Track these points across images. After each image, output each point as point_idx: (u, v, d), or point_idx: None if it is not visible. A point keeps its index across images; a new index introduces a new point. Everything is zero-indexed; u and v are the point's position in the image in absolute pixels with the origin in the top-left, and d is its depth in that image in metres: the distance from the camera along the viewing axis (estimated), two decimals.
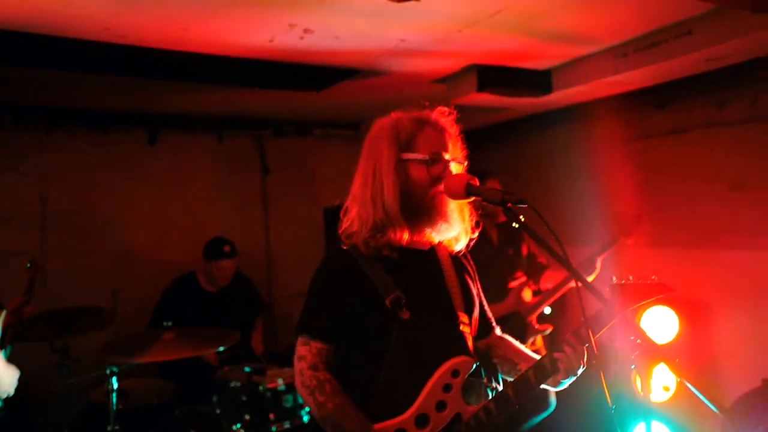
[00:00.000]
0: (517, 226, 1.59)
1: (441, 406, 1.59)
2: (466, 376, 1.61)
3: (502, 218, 3.52)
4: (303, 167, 5.05)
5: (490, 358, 1.83)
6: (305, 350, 1.64)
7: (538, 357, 1.72)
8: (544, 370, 1.58)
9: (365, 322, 1.63)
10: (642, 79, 3.59)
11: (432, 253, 1.75)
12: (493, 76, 3.45)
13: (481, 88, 3.48)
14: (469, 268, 1.86)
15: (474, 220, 1.78)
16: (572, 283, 3.14)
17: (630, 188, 4.11)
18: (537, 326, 3.33)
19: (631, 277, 1.77)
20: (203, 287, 4.08)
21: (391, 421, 1.56)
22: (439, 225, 1.67)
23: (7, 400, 2.74)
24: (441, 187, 1.64)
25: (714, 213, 3.76)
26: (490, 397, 1.67)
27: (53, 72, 3.24)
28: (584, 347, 1.57)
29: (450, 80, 3.71)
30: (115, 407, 2.96)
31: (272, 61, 3.22)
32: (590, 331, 1.52)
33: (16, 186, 4.06)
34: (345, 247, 1.69)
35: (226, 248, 3.95)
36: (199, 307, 3.96)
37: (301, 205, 4.98)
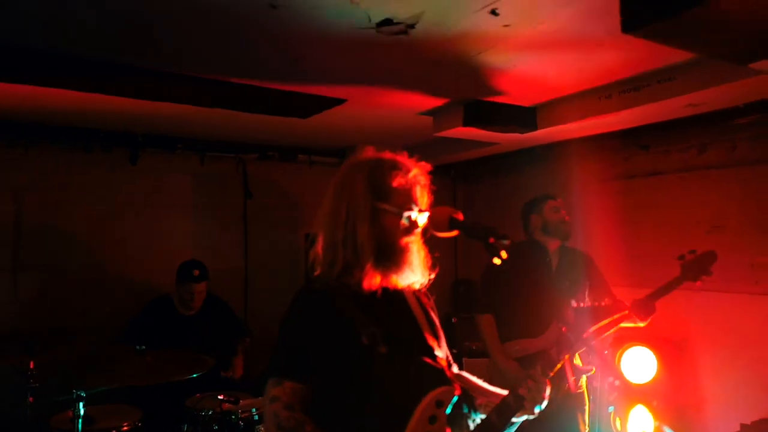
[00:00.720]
0: (498, 262, 1.58)
1: None
2: (450, 405, 1.60)
3: (564, 244, 3.36)
4: (286, 193, 5.02)
5: (465, 390, 1.81)
6: (279, 391, 1.58)
7: (495, 390, 1.79)
8: (508, 408, 1.64)
9: (342, 360, 1.59)
10: (626, 121, 3.67)
11: (398, 290, 1.75)
12: (479, 111, 3.49)
13: (467, 122, 3.52)
14: (430, 303, 1.88)
15: (431, 263, 1.77)
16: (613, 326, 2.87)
17: (611, 227, 4.16)
18: (578, 366, 3.12)
19: (587, 299, 1.79)
20: (178, 311, 4.00)
21: None
22: (405, 272, 1.70)
23: None
24: (410, 237, 1.68)
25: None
26: (472, 427, 1.68)
27: (33, 88, 3.20)
28: (546, 380, 1.64)
29: (436, 113, 3.75)
30: None
31: (260, 87, 3.23)
32: (563, 362, 1.55)
33: None
34: (316, 286, 1.69)
35: (196, 272, 3.87)
36: (174, 330, 3.86)
37: (283, 230, 4.94)
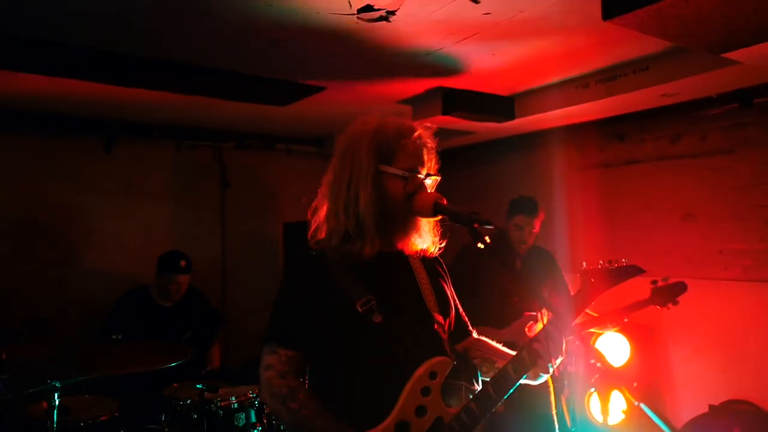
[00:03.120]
0: (482, 246, 1.59)
1: (421, 410, 1.53)
2: (445, 377, 1.57)
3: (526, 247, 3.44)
4: (264, 182, 4.98)
5: (469, 359, 1.80)
6: (273, 359, 1.57)
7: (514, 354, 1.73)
8: (523, 363, 1.57)
9: (336, 328, 1.58)
10: (602, 110, 3.72)
11: (402, 256, 1.73)
12: (458, 100, 3.50)
13: (446, 111, 3.53)
14: (441, 271, 1.85)
15: (440, 231, 1.76)
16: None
17: (588, 214, 4.23)
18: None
19: (601, 262, 1.80)
20: (156, 302, 3.94)
21: (370, 431, 1.49)
22: (411, 239, 1.68)
23: None
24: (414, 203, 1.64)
25: (665, 242, 3.90)
26: (471, 398, 1.64)
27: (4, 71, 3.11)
28: (562, 336, 1.57)
29: (416, 101, 3.75)
30: (55, 425, 2.80)
31: (238, 73, 3.19)
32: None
33: None
34: (313, 253, 1.66)
35: (182, 263, 3.83)
36: (151, 321, 3.80)
37: (260, 220, 4.90)
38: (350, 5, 2.30)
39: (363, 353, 1.56)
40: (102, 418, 3.16)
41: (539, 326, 3.20)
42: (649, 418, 2.86)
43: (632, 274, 1.76)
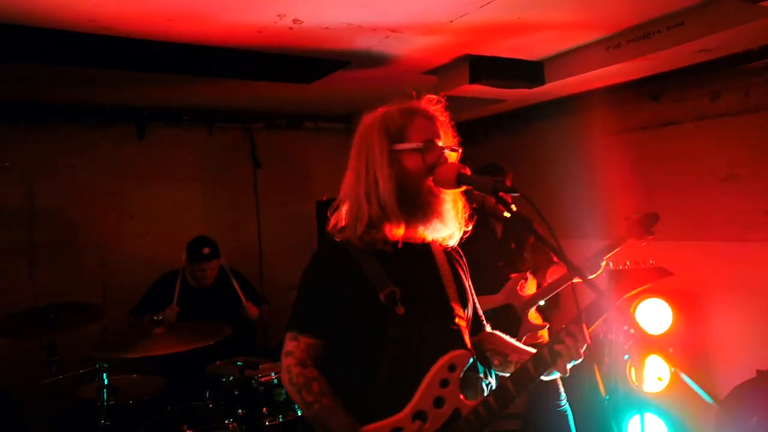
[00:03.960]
0: (508, 215, 1.57)
1: (439, 402, 1.54)
2: (464, 370, 1.58)
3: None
4: (294, 161, 5.01)
5: (483, 352, 1.81)
6: (293, 345, 1.60)
7: (530, 349, 1.72)
8: (544, 361, 1.57)
9: (359, 317, 1.59)
10: (636, 71, 3.58)
11: (426, 247, 1.72)
12: (486, 67, 3.42)
13: (473, 79, 3.45)
14: (462, 263, 1.84)
15: (468, 213, 1.74)
16: (573, 280, 3.05)
17: (624, 180, 4.12)
18: (532, 323, 3.28)
19: (628, 263, 1.77)
20: (190, 285, 4.02)
21: (387, 420, 1.51)
22: (433, 223, 1.65)
23: None
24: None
25: (706, 204, 3.77)
26: (487, 392, 1.64)
27: (38, 66, 3.19)
28: (584, 338, 1.55)
29: (442, 71, 3.68)
30: (105, 403, 2.92)
31: (262, 52, 3.19)
32: (584, 323, 1.52)
33: (1, 182, 4.00)
34: (338, 240, 1.66)
35: (205, 250, 3.85)
36: (186, 303, 3.89)
37: (293, 198, 4.93)
38: None
39: (384, 343, 1.56)
40: (148, 396, 3.29)
41: (530, 284, 3.27)
42: (688, 385, 2.82)
43: (660, 275, 1.72)
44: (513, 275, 3.27)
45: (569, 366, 1.58)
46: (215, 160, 4.74)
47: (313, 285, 1.66)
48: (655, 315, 3.81)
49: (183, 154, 4.61)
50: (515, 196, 1.56)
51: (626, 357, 3.66)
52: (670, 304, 3.76)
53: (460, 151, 1.73)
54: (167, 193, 4.53)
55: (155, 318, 3.02)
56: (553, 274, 3.38)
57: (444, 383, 1.55)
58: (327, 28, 2.83)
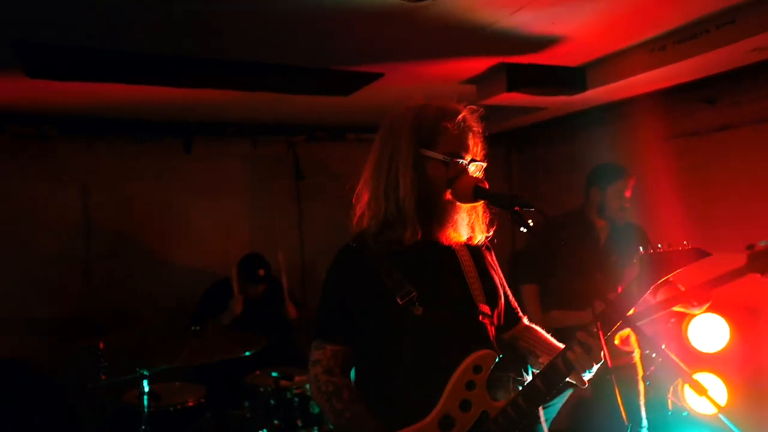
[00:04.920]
0: (524, 230, 1.50)
1: (465, 405, 1.49)
2: (490, 370, 1.52)
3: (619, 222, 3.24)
4: (336, 171, 5.02)
5: (517, 349, 1.73)
6: (320, 354, 1.58)
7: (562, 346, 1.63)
8: (568, 362, 1.48)
9: (378, 322, 1.56)
10: (685, 73, 3.40)
11: (448, 246, 1.66)
12: (523, 75, 3.33)
13: (511, 87, 3.37)
14: (490, 258, 1.77)
15: (488, 218, 1.69)
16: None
17: (678, 188, 3.92)
18: (619, 347, 3.01)
19: (660, 245, 1.63)
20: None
21: (413, 426, 1.47)
22: (448, 231, 1.62)
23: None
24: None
25: (767, 213, 3.53)
26: (518, 392, 1.57)
27: (93, 84, 3.36)
28: (599, 345, 1.46)
29: (479, 80, 3.62)
30: (146, 409, 3.01)
31: (299, 66, 3.23)
32: (600, 331, 1.43)
33: (60, 195, 4.23)
34: (354, 245, 1.64)
35: (261, 272, 3.95)
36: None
37: (335, 209, 4.92)
38: None
39: (405, 346, 1.52)
40: (189, 404, 3.37)
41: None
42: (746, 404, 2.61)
43: (695, 257, 1.56)
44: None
45: (586, 377, 1.50)
46: (259, 172, 4.83)
47: (333, 292, 1.64)
48: (710, 332, 3.59)
49: (228, 167, 4.73)
50: (531, 212, 1.50)
51: (678, 378, 3.48)
52: (727, 320, 3.53)
53: (485, 164, 1.70)
54: (213, 205, 4.65)
55: (192, 328, 3.08)
56: (664, 293, 3.00)
57: (470, 385, 1.50)
58: (361, 40, 2.84)
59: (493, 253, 1.79)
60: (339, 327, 1.59)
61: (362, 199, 1.67)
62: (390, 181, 1.58)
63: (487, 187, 1.59)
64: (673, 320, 3.59)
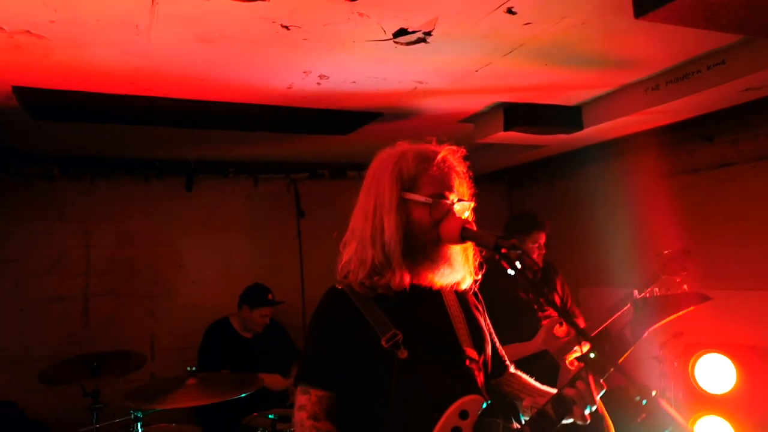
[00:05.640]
0: (512, 273, 1.50)
1: None
2: (477, 416, 1.49)
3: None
4: (338, 209, 5.01)
5: (503, 395, 1.72)
6: (305, 399, 1.54)
7: (550, 390, 1.64)
8: (564, 404, 1.48)
9: (364, 365, 1.53)
10: (682, 112, 3.41)
11: (435, 290, 1.65)
12: (520, 114, 3.36)
13: (508, 126, 3.40)
14: (477, 303, 1.76)
15: (478, 261, 1.69)
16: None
17: (676, 226, 3.90)
18: (570, 367, 3.12)
19: (656, 290, 1.62)
20: (238, 333, 4.08)
21: None
22: (442, 270, 1.60)
23: None
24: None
25: (766, 252, 3.50)
26: None
27: (95, 125, 3.42)
28: (594, 384, 1.48)
29: (476, 119, 3.66)
30: None
31: (297, 108, 3.28)
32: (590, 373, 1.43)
33: (61, 233, 4.25)
34: (339, 287, 1.63)
35: (270, 296, 4.02)
36: (235, 352, 3.96)
37: (336, 246, 4.95)
38: (384, 31, 2.28)
39: (389, 390, 1.49)
40: None
41: (561, 330, 3.13)
42: None
43: (694, 302, 1.54)
44: (545, 321, 3.14)
45: (587, 412, 1.48)
46: (260, 210, 4.86)
47: (317, 336, 1.63)
48: (716, 372, 3.51)
49: (229, 205, 4.76)
50: (518, 253, 1.49)
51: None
52: (733, 361, 3.46)
53: (473, 204, 1.69)
54: (214, 243, 4.66)
55: (188, 369, 3.05)
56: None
57: (456, 431, 1.47)
58: (354, 82, 2.88)
59: (481, 299, 1.79)
60: (324, 372, 1.56)
61: (349, 246, 1.67)
62: (375, 227, 1.58)
63: (475, 228, 1.58)
64: (678, 360, 3.54)
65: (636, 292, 1.58)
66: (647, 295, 1.57)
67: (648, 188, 4.09)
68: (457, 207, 1.62)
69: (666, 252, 2.91)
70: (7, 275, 4.09)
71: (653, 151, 4.13)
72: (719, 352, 3.52)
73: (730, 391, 3.42)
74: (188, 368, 3.07)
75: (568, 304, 3.55)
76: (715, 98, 3.00)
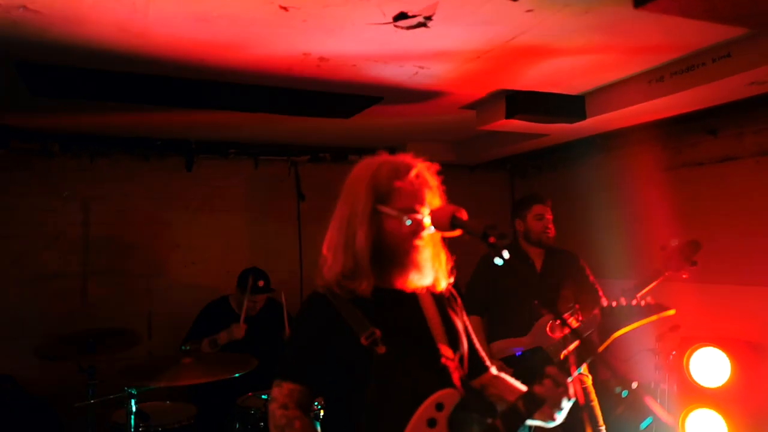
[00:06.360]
0: (500, 262, 1.50)
1: None
2: (452, 409, 1.55)
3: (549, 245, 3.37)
4: (338, 193, 5.04)
5: (486, 397, 1.76)
6: (277, 392, 1.63)
7: None
8: (534, 400, 1.54)
9: (343, 362, 1.62)
10: (686, 104, 3.38)
11: (410, 293, 1.72)
12: (522, 102, 3.34)
13: (510, 114, 3.38)
14: (454, 304, 1.82)
15: (451, 265, 1.76)
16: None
17: (678, 218, 3.88)
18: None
19: (623, 299, 1.68)
20: (235, 312, 4.08)
21: None
22: (410, 275, 1.67)
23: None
24: (416, 240, 1.65)
25: None
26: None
27: (97, 102, 3.41)
28: (567, 381, 1.53)
29: (479, 106, 3.63)
30: (133, 429, 2.98)
31: (299, 89, 3.26)
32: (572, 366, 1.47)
33: (60, 211, 4.26)
34: (321, 291, 1.71)
35: (260, 283, 3.94)
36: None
37: None
38: (384, 14, 2.26)
39: (368, 385, 1.56)
40: (178, 425, 3.33)
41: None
42: None
43: (655, 311, 1.61)
44: (546, 315, 3.10)
45: (557, 414, 1.54)
46: (260, 192, 4.85)
47: (298, 335, 1.73)
48: (711, 366, 3.51)
49: (230, 186, 4.75)
50: (506, 242, 1.50)
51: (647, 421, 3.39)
52: (728, 355, 3.46)
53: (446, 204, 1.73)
54: (213, 224, 4.66)
55: (182, 348, 3.07)
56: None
57: (431, 422, 1.53)
58: (354, 65, 2.86)
59: (458, 300, 1.84)
60: (298, 368, 1.64)
61: (327, 252, 1.75)
62: (348, 236, 1.67)
63: (466, 218, 1.60)
64: (674, 353, 3.54)
65: (607, 300, 1.67)
66: (614, 303, 1.66)
67: (650, 181, 4.06)
68: (426, 221, 1.67)
69: (673, 244, 2.71)
70: (5, 251, 4.10)
71: (656, 144, 4.10)
72: (714, 346, 3.53)
73: (724, 384, 3.43)
74: (182, 347, 3.08)
75: (582, 297, 3.30)
76: (719, 91, 2.96)
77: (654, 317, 1.64)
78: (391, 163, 1.72)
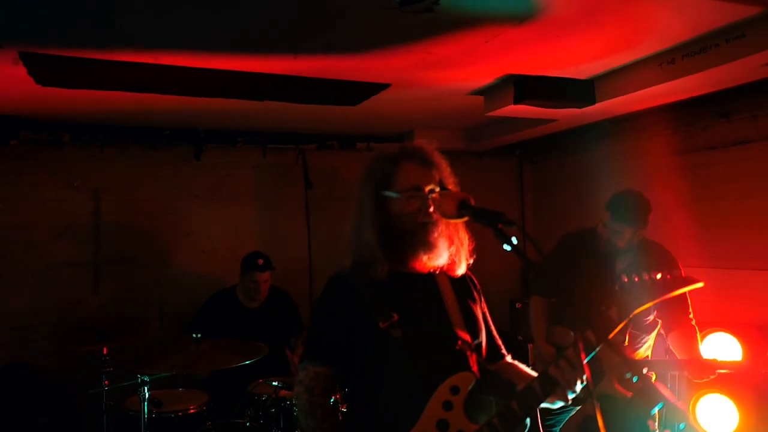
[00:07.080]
0: (509, 248, 1.49)
1: (443, 425, 1.55)
2: (468, 392, 1.58)
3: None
4: (346, 181, 5.03)
5: (502, 380, 1.78)
6: (303, 375, 1.69)
7: None
8: (550, 381, 1.55)
9: (361, 345, 1.66)
10: (698, 87, 3.33)
11: (429, 276, 1.76)
12: (531, 87, 3.30)
13: (518, 99, 3.35)
14: (473, 290, 1.85)
15: (472, 246, 1.78)
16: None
17: (691, 203, 3.84)
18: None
19: (644, 275, 1.64)
20: (242, 303, 4.11)
21: None
22: (421, 253, 1.71)
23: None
24: (422, 217, 1.68)
25: None
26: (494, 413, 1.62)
27: (107, 92, 3.41)
28: (583, 363, 1.51)
29: (487, 92, 3.60)
30: (146, 415, 3.02)
31: (305, 77, 3.24)
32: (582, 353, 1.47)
33: (71, 200, 4.28)
34: (341, 274, 1.75)
35: (260, 261, 3.95)
36: (237, 322, 3.97)
37: (343, 218, 4.95)
38: None
39: (386, 368, 1.61)
40: (191, 411, 3.37)
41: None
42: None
43: (680, 285, 1.58)
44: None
45: (570, 395, 1.56)
46: (269, 180, 4.85)
47: (320, 318, 1.78)
48: (722, 351, 3.49)
49: (238, 174, 4.76)
50: (514, 231, 1.49)
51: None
52: (739, 340, 3.44)
53: (455, 191, 1.77)
54: (222, 212, 4.68)
55: (194, 336, 3.09)
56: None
57: (447, 405, 1.57)
58: (360, 51, 2.83)
59: (477, 286, 1.87)
60: (323, 350, 1.70)
61: (344, 241, 1.81)
62: (357, 225, 1.74)
63: (473, 203, 1.62)
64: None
65: (624, 277, 1.60)
66: (636, 278, 1.60)
67: (661, 165, 4.02)
68: (434, 196, 1.70)
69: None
70: (18, 240, 4.14)
71: (668, 127, 4.05)
72: (726, 331, 3.50)
73: (734, 368, 3.39)
74: (194, 335, 3.11)
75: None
76: (733, 73, 2.92)
77: (680, 291, 1.60)
78: (392, 149, 1.79)
